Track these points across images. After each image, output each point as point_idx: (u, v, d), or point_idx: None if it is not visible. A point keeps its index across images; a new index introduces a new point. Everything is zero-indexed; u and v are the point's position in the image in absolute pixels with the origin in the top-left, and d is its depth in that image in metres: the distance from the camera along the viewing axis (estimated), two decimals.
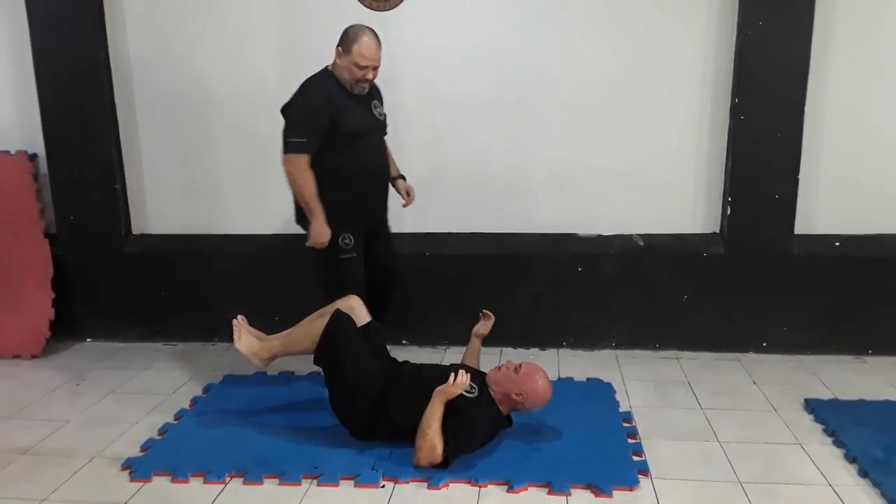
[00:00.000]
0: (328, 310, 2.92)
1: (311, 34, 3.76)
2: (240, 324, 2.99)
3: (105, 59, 3.89)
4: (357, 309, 2.97)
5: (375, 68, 3.04)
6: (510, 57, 3.73)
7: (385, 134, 3.35)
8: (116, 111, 3.97)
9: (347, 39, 3.00)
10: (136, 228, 4.12)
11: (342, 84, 3.06)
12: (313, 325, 2.88)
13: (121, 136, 4.00)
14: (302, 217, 3.17)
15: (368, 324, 2.97)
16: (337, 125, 3.02)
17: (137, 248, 4.06)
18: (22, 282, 3.97)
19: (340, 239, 3.11)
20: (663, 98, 3.70)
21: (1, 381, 3.58)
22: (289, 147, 3.02)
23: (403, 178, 3.42)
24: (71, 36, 3.82)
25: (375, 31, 3.05)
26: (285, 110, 3.08)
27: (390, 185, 3.36)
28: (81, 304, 4.09)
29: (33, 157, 4.02)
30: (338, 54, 3.04)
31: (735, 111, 3.60)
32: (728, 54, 3.61)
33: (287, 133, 3.03)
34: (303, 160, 3.01)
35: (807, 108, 3.55)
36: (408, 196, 3.39)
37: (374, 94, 3.23)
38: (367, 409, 2.75)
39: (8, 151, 4.00)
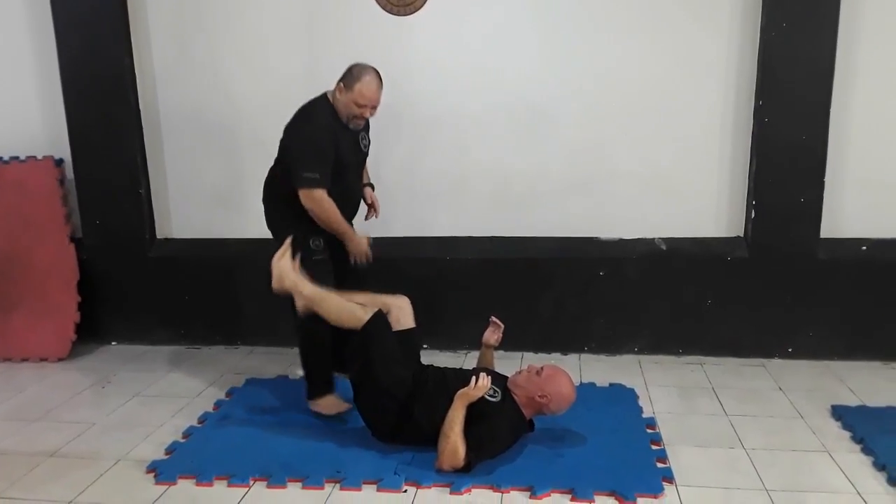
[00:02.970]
0: (374, 302, 2.90)
1: (333, 40, 3.79)
2: (289, 245, 2.92)
3: (130, 65, 3.94)
4: (405, 310, 2.98)
5: (374, 107, 3.04)
6: (531, 60, 3.72)
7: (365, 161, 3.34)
8: (141, 117, 4.02)
9: (351, 77, 2.99)
10: (161, 233, 4.16)
11: (338, 115, 3.05)
12: (354, 312, 2.81)
13: (145, 141, 4.05)
14: (273, 222, 3.21)
15: (410, 330, 2.95)
16: (334, 158, 3.04)
17: (161, 253, 4.10)
18: (48, 285, 4.03)
19: (311, 241, 3.11)
20: (685, 100, 3.67)
21: (28, 384, 3.63)
22: (304, 182, 2.98)
23: (372, 186, 3.41)
24: (96, 43, 3.87)
25: (378, 70, 3.03)
26: (290, 137, 3.07)
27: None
28: (107, 307, 4.14)
29: (60, 163, 4.08)
30: (339, 89, 3.01)
31: (759, 113, 3.57)
32: (751, 56, 3.58)
33: (298, 166, 2.99)
34: (320, 193, 2.99)
35: (832, 110, 3.51)
36: (373, 209, 3.39)
37: (364, 125, 3.21)
38: (393, 411, 2.75)
39: (35, 157, 4.07)
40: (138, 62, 3.98)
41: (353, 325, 2.81)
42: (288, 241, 2.97)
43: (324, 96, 3.09)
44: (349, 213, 3.22)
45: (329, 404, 3.15)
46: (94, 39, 3.87)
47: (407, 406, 2.74)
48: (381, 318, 2.83)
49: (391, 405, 2.75)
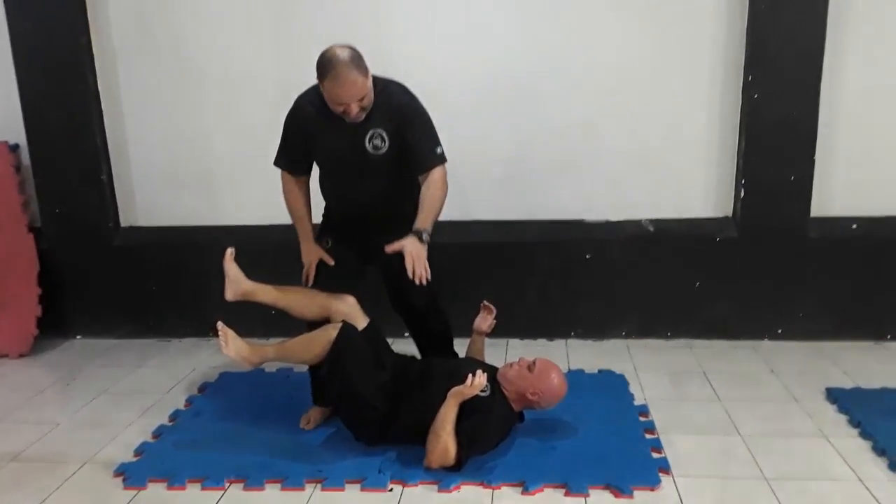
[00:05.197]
0: (314, 303, 2.77)
1: (303, 14, 3.59)
2: (225, 328, 2.71)
3: (87, 44, 3.72)
4: (352, 313, 2.76)
5: (359, 100, 2.54)
6: (513, 36, 3.57)
7: (388, 169, 2.73)
8: (101, 99, 3.80)
9: (318, 71, 2.52)
10: (125, 221, 3.96)
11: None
12: (314, 340, 2.64)
13: (105, 124, 3.83)
14: None
15: (368, 326, 2.77)
16: (312, 149, 2.78)
17: (126, 242, 3.91)
18: (7, 278, 3.82)
19: (322, 239, 2.92)
20: (672, 76, 3.55)
21: None
22: None
23: (420, 235, 2.59)
24: (50, 20, 3.65)
25: (359, 53, 2.53)
26: None
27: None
28: (70, 299, 3.94)
29: (15, 148, 3.85)
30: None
31: (748, 89, 3.46)
32: (740, 29, 3.45)
33: None
34: (284, 175, 2.87)
35: (823, 86, 3.41)
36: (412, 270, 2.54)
37: (381, 121, 2.64)
38: (376, 420, 2.61)
39: None
40: (96, 40, 3.75)
41: (325, 349, 2.60)
42: (222, 329, 2.67)
43: None
44: (346, 219, 2.86)
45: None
46: (47, 16, 3.63)
47: (390, 412, 2.60)
48: (348, 333, 2.62)
49: (373, 415, 2.60)
